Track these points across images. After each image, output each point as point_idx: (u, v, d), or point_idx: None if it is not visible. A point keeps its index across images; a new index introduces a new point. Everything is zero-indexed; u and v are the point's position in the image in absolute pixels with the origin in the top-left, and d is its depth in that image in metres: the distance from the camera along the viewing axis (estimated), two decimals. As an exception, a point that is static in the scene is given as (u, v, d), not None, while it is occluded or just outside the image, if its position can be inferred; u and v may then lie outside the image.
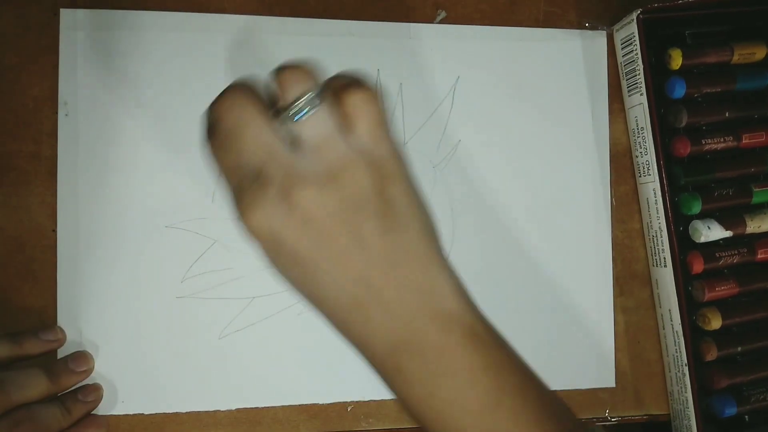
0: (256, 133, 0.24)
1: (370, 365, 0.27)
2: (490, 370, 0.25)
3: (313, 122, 0.24)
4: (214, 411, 0.35)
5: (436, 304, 0.25)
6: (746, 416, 0.38)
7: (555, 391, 0.27)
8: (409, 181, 0.26)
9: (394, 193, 0.25)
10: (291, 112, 0.24)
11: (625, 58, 0.38)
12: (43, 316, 0.34)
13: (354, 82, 0.25)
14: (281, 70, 0.25)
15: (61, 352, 0.34)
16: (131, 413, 0.35)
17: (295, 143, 0.24)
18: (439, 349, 0.25)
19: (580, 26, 0.39)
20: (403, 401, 0.26)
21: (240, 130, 0.24)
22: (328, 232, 0.24)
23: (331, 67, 0.37)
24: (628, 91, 0.38)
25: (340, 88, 0.25)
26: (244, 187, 0.24)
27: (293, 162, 0.24)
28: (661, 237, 0.37)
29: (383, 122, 0.25)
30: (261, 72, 0.36)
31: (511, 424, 0.25)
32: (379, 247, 0.25)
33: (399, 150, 0.26)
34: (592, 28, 0.39)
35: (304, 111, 0.24)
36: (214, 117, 0.25)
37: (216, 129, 0.25)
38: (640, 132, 0.38)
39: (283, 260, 0.25)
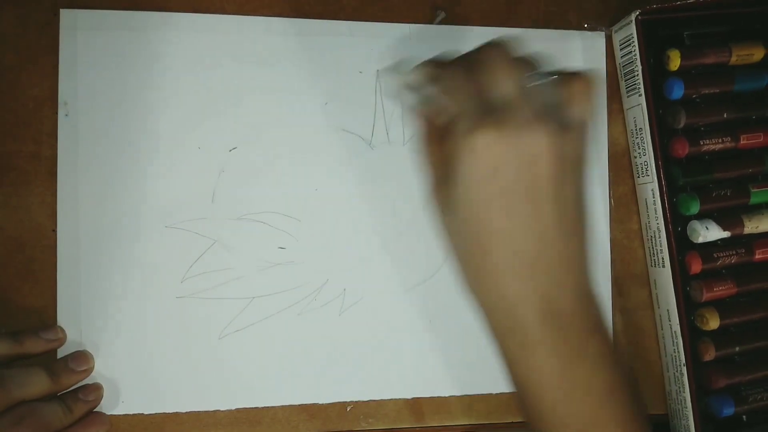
0: (515, 74, 0.26)
1: (504, 331, 0.28)
2: (612, 361, 0.27)
3: (557, 84, 0.27)
4: (214, 411, 0.35)
5: (586, 284, 0.28)
6: (744, 416, 0.38)
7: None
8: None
9: (585, 167, 0.28)
10: (540, 71, 0.27)
11: (624, 59, 0.38)
12: (43, 316, 0.34)
13: (583, 72, 0.29)
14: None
15: (62, 352, 0.34)
16: (131, 413, 0.35)
17: (537, 96, 0.27)
18: (582, 330, 0.27)
19: (579, 27, 0.39)
20: (533, 371, 0.27)
21: (504, 64, 0.26)
22: (546, 178, 0.26)
23: (331, 67, 0.37)
24: (627, 92, 0.38)
25: (572, 72, 0.28)
26: (488, 110, 0.26)
27: (537, 108, 0.26)
28: (660, 237, 0.37)
29: (594, 105, 0.28)
30: (261, 71, 0.36)
31: (622, 413, 0.27)
32: (571, 208, 0.26)
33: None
34: (592, 29, 0.39)
35: (545, 77, 0.27)
36: (483, 49, 0.27)
37: (480, 56, 0.27)
38: (639, 133, 0.38)
39: (487, 193, 0.26)
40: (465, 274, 0.28)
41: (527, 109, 0.26)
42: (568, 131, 0.26)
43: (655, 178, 0.37)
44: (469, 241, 0.27)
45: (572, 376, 0.27)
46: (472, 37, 0.38)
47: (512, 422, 0.38)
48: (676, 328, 0.37)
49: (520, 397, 0.28)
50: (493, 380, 0.38)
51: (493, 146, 0.25)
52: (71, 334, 0.34)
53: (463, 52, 0.29)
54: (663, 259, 0.37)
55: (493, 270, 0.27)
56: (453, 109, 0.27)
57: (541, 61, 0.28)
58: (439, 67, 0.29)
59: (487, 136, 0.25)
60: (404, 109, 0.37)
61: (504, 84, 0.26)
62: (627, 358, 0.39)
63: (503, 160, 0.25)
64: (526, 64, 0.27)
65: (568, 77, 0.28)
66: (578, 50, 0.39)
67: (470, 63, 0.28)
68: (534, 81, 0.27)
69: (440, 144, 0.28)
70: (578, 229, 0.27)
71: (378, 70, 0.37)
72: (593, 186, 0.39)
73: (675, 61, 0.37)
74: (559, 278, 0.26)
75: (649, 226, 0.38)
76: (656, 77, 0.37)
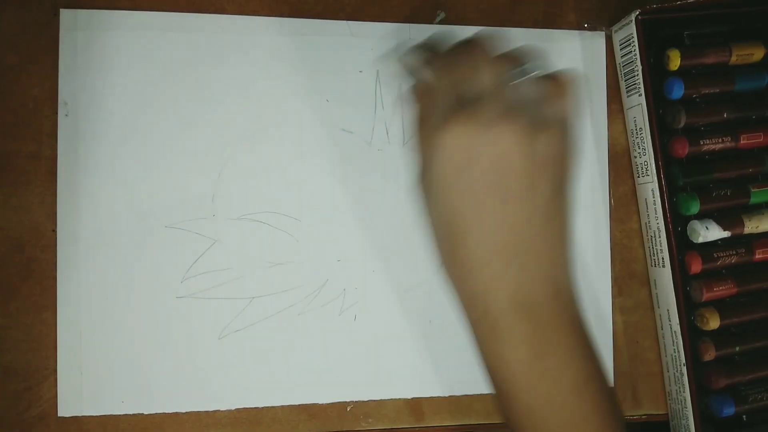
0: (493, 69, 0.26)
1: (476, 319, 0.28)
2: (583, 354, 0.28)
3: (536, 82, 0.27)
4: (214, 411, 0.35)
5: (564, 280, 0.28)
6: (744, 416, 0.38)
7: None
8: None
9: (570, 160, 0.28)
10: (521, 68, 0.27)
11: (624, 59, 0.38)
12: (43, 316, 0.34)
13: (564, 71, 0.28)
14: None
15: (64, 347, 0.34)
16: (131, 413, 0.35)
17: (514, 93, 0.27)
18: (554, 322, 0.27)
19: (579, 27, 0.39)
20: (501, 360, 0.27)
21: (483, 59, 0.27)
22: (516, 173, 0.26)
23: (331, 67, 0.37)
24: (627, 92, 0.38)
25: (553, 72, 0.28)
26: (463, 103, 0.26)
27: (512, 104, 0.26)
28: (660, 237, 0.37)
29: (573, 104, 0.28)
30: (261, 71, 0.36)
31: (591, 407, 0.28)
32: (544, 204, 0.26)
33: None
34: (591, 28, 0.39)
35: (526, 74, 0.27)
36: (466, 43, 0.28)
37: (462, 51, 0.27)
38: (639, 132, 0.38)
39: (459, 185, 0.26)
40: (443, 263, 0.28)
41: (500, 104, 0.26)
42: (542, 129, 0.26)
43: (655, 178, 0.37)
44: (444, 231, 0.27)
45: (541, 367, 0.27)
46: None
47: (512, 422, 0.38)
48: (676, 328, 0.37)
49: (492, 385, 0.29)
50: (493, 380, 0.38)
51: (462, 140, 0.25)
52: (71, 334, 0.34)
53: (455, 42, 0.29)
54: (663, 258, 0.37)
55: (466, 260, 0.27)
56: (433, 103, 0.27)
57: (526, 57, 0.28)
58: (428, 55, 0.29)
59: (456, 130, 0.25)
60: (402, 104, 0.37)
61: (480, 79, 0.26)
62: (622, 356, 0.39)
63: (472, 154, 0.25)
64: (508, 60, 0.27)
65: (548, 76, 0.28)
66: (578, 50, 0.39)
67: (453, 56, 0.28)
68: (513, 78, 0.27)
69: (424, 135, 0.29)
70: (553, 225, 0.27)
71: (378, 70, 0.37)
72: (593, 185, 0.39)
73: (675, 61, 0.37)
74: (531, 271, 0.27)
75: (649, 225, 0.38)
76: (656, 77, 0.37)
